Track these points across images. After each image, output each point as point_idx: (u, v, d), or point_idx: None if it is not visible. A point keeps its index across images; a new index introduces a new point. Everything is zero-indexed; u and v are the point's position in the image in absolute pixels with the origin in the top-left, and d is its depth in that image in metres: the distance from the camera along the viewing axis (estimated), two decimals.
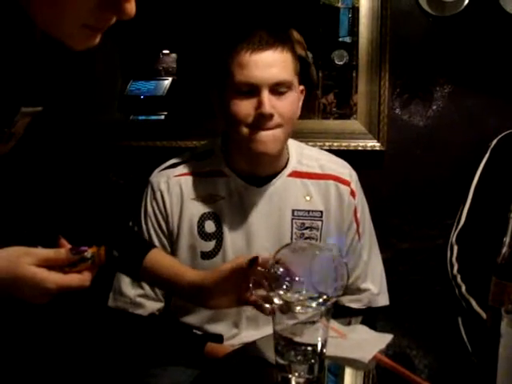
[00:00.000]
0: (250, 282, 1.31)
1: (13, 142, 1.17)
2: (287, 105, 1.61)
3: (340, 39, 2.32)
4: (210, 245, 1.70)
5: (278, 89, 1.59)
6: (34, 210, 1.36)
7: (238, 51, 1.58)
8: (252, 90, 1.58)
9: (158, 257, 1.48)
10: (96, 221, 1.48)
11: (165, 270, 1.45)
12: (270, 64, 1.57)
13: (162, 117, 2.43)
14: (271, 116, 1.58)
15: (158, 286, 1.64)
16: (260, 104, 1.57)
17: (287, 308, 1.14)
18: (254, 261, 1.30)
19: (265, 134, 1.59)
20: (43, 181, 1.35)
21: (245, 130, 1.60)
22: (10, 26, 1.01)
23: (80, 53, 1.02)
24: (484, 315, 1.52)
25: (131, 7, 0.91)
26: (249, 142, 1.61)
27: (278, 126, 1.60)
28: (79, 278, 1.09)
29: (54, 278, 1.07)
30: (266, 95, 1.57)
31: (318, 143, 2.26)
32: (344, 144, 2.31)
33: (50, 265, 1.07)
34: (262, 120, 1.58)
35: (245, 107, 1.59)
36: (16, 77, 1.08)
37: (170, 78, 2.40)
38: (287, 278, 1.19)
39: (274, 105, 1.58)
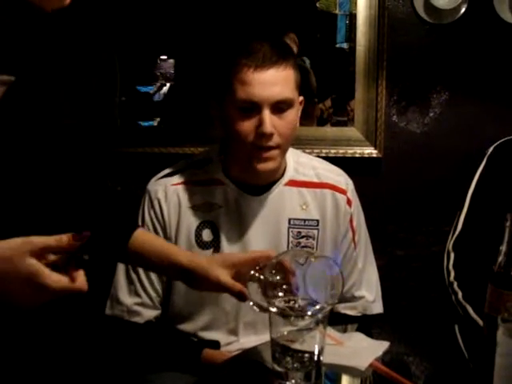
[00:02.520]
0: (245, 283, 1.30)
1: None
2: (287, 124, 1.60)
3: (337, 45, 2.33)
4: (207, 253, 1.69)
5: (279, 106, 1.58)
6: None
7: (240, 67, 1.56)
8: (253, 108, 1.57)
9: (144, 238, 1.42)
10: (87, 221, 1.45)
11: (152, 252, 1.40)
12: (272, 82, 1.56)
13: (155, 123, 2.42)
14: (271, 135, 1.57)
15: (148, 269, 1.60)
16: (261, 123, 1.56)
17: (283, 315, 1.15)
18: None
19: (264, 154, 1.60)
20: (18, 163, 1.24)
21: (244, 148, 1.60)
22: None
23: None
24: (480, 322, 1.53)
25: None
26: (248, 159, 1.61)
27: (277, 146, 1.60)
28: (81, 280, 1.03)
29: (55, 275, 1.00)
30: (267, 114, 1.56)
31: (315, 150, 2.27)
32: (341, 151, 2.32)
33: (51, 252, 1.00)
34: (262, 139, 1.57)
35: (245, 125, 1.58)
36: None
37: (168, 84, 2.41)
38: (284, 286, 1.19)
39: (274, 124, 1.57)
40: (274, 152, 1.61)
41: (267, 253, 1.34)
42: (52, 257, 1.00)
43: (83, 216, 1.41)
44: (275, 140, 1.59)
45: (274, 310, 1.16)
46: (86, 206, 1.41)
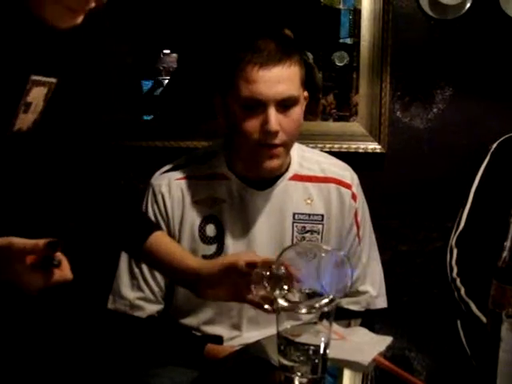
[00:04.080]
0: (250, 283, 1.30)
1: (34, 115, 1.22)
2: (292, 121, 1.60)
3: (341, 40, 2.32)
4: (211, 248, 1.70)
5: (284, 104, 1.57)
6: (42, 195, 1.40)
7: (244, 65, 1.55)
8: (258, 105, 1.56)
9: (161, 239, 1.47)
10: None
11: (165, 254, 1.44)
12: (277, 80, 1.55)
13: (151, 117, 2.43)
14: (277, 133, 1.57)
15: (157, 269, 1.60)
16: (266, 121, 1.56)
17: (291, 309, 1.15)
18: (252, 265, 1.30)
19: (269, 152, 1.60)
20: (61, 164, 1.41)
21: (249, 145, 1.60)
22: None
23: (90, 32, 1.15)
24: (483, 318, 1.53)
25: None
26: (253, 156, 1.62)
27: (282, 144, 1.60)
28: (61, 273, 1.13)
29: (31, 275, 1.10)
30: (272, 112, 1.56)
31: (319, 145, 2.27)
32: (344, 146, 2.32)
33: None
34: (267, 136, 1.57)
35: (250, 123, 1.57)
36: (22, 45, 1.13)
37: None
38: (290, 280, 1.19)
39: (280, 122, 1.57)
40: (279, 149, 1.61)
41: (236, 259, 1.35)
42: (30, 257, 1.10)
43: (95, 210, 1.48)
44: (280, 137, 1.59)
45: (281, 302, 1.16)
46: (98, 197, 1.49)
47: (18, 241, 1.09)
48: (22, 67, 1.15)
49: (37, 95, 1.20)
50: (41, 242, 1.08)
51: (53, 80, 1.23)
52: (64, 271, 1.13)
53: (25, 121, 1.21)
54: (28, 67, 1.16)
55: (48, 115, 1.25)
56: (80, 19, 1.07)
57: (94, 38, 1.32)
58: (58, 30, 1.08)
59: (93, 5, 1.05)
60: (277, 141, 1.58)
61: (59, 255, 1.11)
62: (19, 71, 1.15)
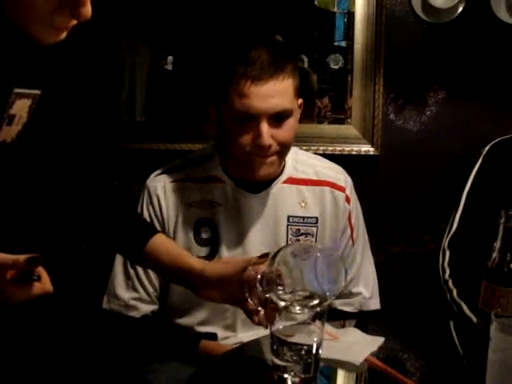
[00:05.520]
0: (244, 286, 1.31)
1: (18, 127, 1.22)
2: (286, 132, 1.60)
3: (335, 43, 2.33)
4: (205, 250, 1.70)
5: (277, 117, 1.57)
6: (34, 202, 1.41)
7: (237, 79, 1.54)
8: (250, 118, 1.56)
9: (161, 241, 1.46)
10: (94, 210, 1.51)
11: (166, 254, 1.43)
12: (270, 95, 1.54)
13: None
14: (270, 146, 1.57)
15: (158, 270, 1.58)
16: (258, 134, 1.56)
17: (284, 309, 1.16)
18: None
19: (262, 160, 1.61)
20: (46, 172, 1.42)
21: (242, 156, 1.61)
22: None
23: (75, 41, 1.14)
24: (475, 319, 1.54)
25: (87, 10, 1.02)
26: (246, 163, 1.62)
27: (276, 153, 1.61)
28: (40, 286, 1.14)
29: (12, 289, 1.11)
30: (264, 126, 1.55)
31: (313, 147, 2.28)
32: (338, 148, 2.32)
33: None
34: (259, 149, 1.58)
35: (243, 136, 1.58)
36: (4, 58, 1.12)
37: None
38: (284, 280, 1.20)
39: (272, 134, 1.57)
40: (273, 158, 1.62)
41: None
42: (10, 272, 1.12)
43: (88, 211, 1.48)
44: (273, 149, 1.59)
45: (277, 301, 1.17)
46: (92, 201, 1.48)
47: None
48: (4, 80, 1.14)
49: (21, 107, 1.20)
50: (21, 257, 1.10)
51: (37, 92, 1.23)
52: (44, 284, 1.14)
53: (9, 133, 1.20)
54: (11, 80, 1.16)
55: (32, 126, 1.25)
56: (64, 35, 1.08)
57: (78, 48, 1.33)
58: (42, 45, 1.09)
59: (75, 22, 1.06)
60: (269, 152, 1.59)
61: (39, 270, 1.13)
62: (1, 84, 1.14)
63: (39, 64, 1.22)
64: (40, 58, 1.21)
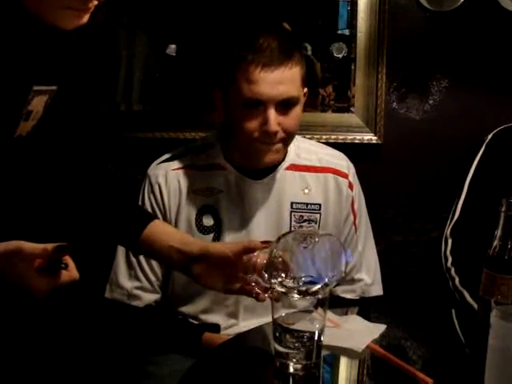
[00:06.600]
0: (246, 271, 1.31)
1: (34, 121, 1.24)
2: (292, 120, 1.61)
3: (339, 32, 2.32)
4: (208, 238, 1.70)
5: (284, 104, 1.58)
6: (43, 196, 1.43)
7: (246, 64, 1.56)
8: (258, 104, 1.57)
9: (158, 227, 1.46)
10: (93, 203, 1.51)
11: (165, 240, 1.42)
12: (278, 82, 1.56)
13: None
14: (276, 133, 1.59)
15: (156, 257, 1.57)
16: (266, 121, 1.57)
17: (286, 296, 1.16)
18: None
19: (268, 147, 1.61)
20: (55, 163, 1.44)
21: (248, 142, 1.61)
22: (10, 10, 1.09)
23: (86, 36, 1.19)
24: (477, 307, 1.55)
25: None
26: (251, 150, 1.63)
27: (281, 140, 1.62)
28: (68, 274, 1.18)
29: (38, 279, 1.14)
30: (272, 113, 1.57)
31: (315, 136, 2.28)
32: (341, 137, 2.32)
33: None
34: (266, 136, 1.59)
35: (250, 122, 1.59)
36: (25, 56, 1.15)
37: None
38: (286, 266, 1.20)
39: (279, 121, 1.59)
40: (278, 146, 1.63)
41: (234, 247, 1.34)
42: (38, 261, 1.15)
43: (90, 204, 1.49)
44: (279, 136, 1.60)
45: (279, 288, 1.17)
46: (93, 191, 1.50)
47: (28, 245, 1.12)
48: (24, 78, 1.17)
49: (38, 103, 1.22)
50: (49, 246, 1.12)
51: (53, 88, 1.25)
52: (71, 272, 1.17)
53: (25, 127, 1.23)
54: (31, 78, 1.18)
55: (47, 119, 1.28)
56: (86, 18, 1.09)
57: (93, 39, 1.35)
58: (66, 31, 1.10)
59: (96, 2, 1.07)
60: (276, 139, 1.60)
61: (66, 258, 1.16)
62: (22, 82, 1.17)
63: (56, 60, 1.24)
64: (58, 51, 1.22)
